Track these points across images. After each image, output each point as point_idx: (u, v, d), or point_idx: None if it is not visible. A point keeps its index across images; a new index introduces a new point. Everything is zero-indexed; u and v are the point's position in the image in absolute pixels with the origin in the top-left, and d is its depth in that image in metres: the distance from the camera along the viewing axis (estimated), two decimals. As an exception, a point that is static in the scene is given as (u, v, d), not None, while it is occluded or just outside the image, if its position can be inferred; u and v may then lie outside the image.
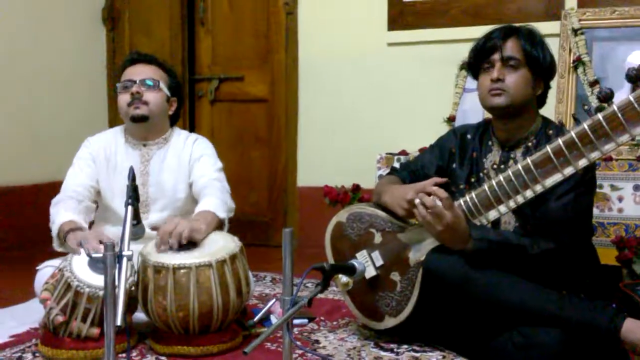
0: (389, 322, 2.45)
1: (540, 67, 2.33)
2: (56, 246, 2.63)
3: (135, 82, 2.77)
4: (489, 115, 2.49)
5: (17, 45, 4.32)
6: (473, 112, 3.79)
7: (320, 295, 2.11)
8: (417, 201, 2.24)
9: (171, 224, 2.47)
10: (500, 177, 2.17)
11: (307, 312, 2.80)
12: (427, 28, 4.12)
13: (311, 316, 2.82)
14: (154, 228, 2.51)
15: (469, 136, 2.52)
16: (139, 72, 2.80)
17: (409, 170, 2.62)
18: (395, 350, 2.43)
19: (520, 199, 2.13)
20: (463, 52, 3.76)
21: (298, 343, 2.17)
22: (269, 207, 4.76)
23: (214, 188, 2.75)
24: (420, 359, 2.35)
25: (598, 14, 3.56)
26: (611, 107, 1.94)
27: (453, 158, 2.52)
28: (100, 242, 2.38)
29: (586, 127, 1.98)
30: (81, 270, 2.35)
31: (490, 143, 2.45)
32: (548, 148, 2.06)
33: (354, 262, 2.32)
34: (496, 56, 2.32)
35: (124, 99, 2.78)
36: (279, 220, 4.68)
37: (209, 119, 4.90)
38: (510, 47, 2.32)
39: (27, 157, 4.35)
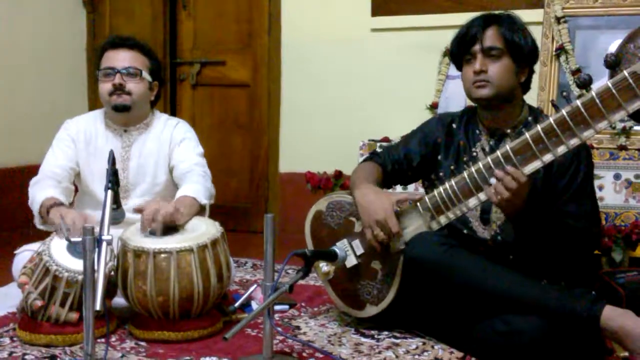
0: (371, 311, 2.46)
1: (523, 54, 2.31)
2: (38, 223, 2.60)
3: (116, 70, 2.72)
4: (471, 102, 2.48)
5: (-6, 26, 4.25)
6: (456, 99, 3.79)
7: (301, 282, 2.11)
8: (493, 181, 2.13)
9: (154, 204, 2.45)
10: (480, 165, 2.16)
11: (288, 298, 2.80)
12: (410, 14, 4.10)
13: (292, 302, 2.82)
14: (138, 210, 2.48)
15: (454, 125, 2.50)
16: (121, 59, 2.75)
17: (392, 160, 2.59)
18: (375, 336, 2.43)
19: (494, 181, 2.11)
20: (446, 38, 3.75)
21: (279, 329, 2.17)
22: (250, 193, 4.74)
23: (195, 174, 2.73)
24: (401, 345, 2.35)
25: (581, 2, 3.56)
26: (589, 93, 1.93)
27: (438, 149, 2.50)
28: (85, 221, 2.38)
29: (565, 113, 1.97)
30: (60, 254, 2.33)
31: (477, 132, 2.42)
32: (527, 135, 2.05)
33: (335, 248, 2.32)
34: (477, 47, 2.30)
35: (105, 87, 2.73)
36: (260, 207, 4.66)
37: (190, 103, 4.86)
38: (490, 37, 2.30)
39: (5, 140, 4.29)
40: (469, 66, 2.33)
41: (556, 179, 2.25)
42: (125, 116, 2.78)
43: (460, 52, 2.38)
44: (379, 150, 2.69)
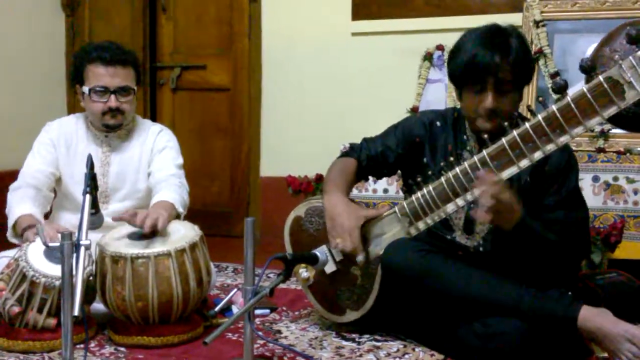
0: (351, 316, 2.45)
1: (527, 83, 2.26)
2: (10, 236, 2.57)
3: (110, 90, 2.65)
4: (453, 105, 2.46)
5: (-28, 29, 4.21)
6: (436, 103, 3.80)
7: (282, 285, 2.10)
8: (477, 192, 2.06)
9: (142, 214, 2.44)
10: (457, 170, 2.14)
11: (269, 302, 2.79)
12: (391, 18, 4.11)
13: (273, 306, 2.81)
14: (116, 219, 2.46)
15: (438, 123, 2.42)
16: (114, 78, 2.66)
17: (368, 155, 2.53)
18: (356, 339, 2.43)
19: (477, 192, 2.08)
20: (427, 42, 3.80)
21: (259, 333, 2.16)
22: (231, 197, 4.73)
23: (172, 183, 2.71)
24: (382, 348, 2.35)
25: (559, 6, 3.59)
26: (565, 98, 1.92)
27: (422, 150, 2.43)
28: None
29: (540, 119, 1.95)
30: (37, 260, 2.31)
31: (465, 137, 2.35)
32: (503, 140, 2.03)
33: (316, 251, 2.31)
34: (491, 81, 2.15)
35: (98, 107, 2.67)
36: (241, 211, 4.64)
37: (170, 107, 4.83)
38: (504, 71, 2.14)
39: (-18, 145, 4.25)
40: (475, 95, 2.20)
41: (545, 188, 2.22)
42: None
43: (467, 77, 2.22)
44: (358, 142, 2.62)
